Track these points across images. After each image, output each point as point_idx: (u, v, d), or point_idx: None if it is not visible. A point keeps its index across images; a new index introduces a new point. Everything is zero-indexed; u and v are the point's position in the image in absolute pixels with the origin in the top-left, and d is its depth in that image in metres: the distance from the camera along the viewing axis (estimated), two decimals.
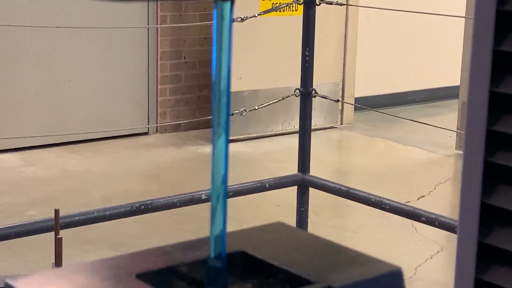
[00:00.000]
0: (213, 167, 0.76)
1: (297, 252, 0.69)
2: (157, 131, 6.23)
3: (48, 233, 3.00)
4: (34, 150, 5.54)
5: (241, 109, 3.75)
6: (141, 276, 0.63)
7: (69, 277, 0.64)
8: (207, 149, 5.88)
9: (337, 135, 6.51)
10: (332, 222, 4.53)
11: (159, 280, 0.65)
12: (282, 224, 0.76)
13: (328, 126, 6.56)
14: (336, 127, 6.63)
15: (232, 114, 4.09)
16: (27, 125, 5.61)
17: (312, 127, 6.36)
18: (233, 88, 6.35)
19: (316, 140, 6.04)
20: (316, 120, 6.26)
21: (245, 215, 4.49)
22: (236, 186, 3.80)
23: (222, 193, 0.72)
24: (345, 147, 6.51)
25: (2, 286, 2.36)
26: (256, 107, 3.87)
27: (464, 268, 1.06)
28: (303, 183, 3.90)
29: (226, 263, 0.66)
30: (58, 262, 2.58)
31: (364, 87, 6.95)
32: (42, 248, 3.77)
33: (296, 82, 3.92)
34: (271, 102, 3.84)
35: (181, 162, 5.56)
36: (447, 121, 6.17)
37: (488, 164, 1.07)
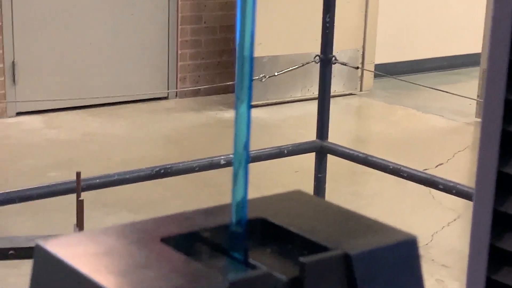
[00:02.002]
0: (236, 133, 0.77)
1: (315, 220, 0.72)
2: (176, 96, 6.25)
3: (69, 195, 3.05)
4: (56, 112, 5.59)
5: (261, 75, 3.77)
6: (165, 240, 0.66)
7: (96, 239, 0.67)
8: (227, 114, 5.90)
9: (356, 102, 6.51)
10: (350, 188, 4.56)
11: (182, 244, 0.68)
12: (301, 192, 0.78)
13: (347, 92, 6.56)
14: (355, 94, 6.62)
15: (252, 80, 4.10)
16: (49, 88, 5.65)
17: (331, 94, 6.35)
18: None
19: (335, 106, 6.04)
20: (336, 86, 6.26)
21: (263, 181, 4.52)
22: (254, 152, 3.82)
23: (244, 158, 0.74)
24: (364, 114, 6.51)
25: (27, 245, 2.40)
26: (276, 74, 3.88)
27: (480, 235, 1.08)
28: (321, 149, 3.92)
29: (247, 229, 0.68)
30: (79, 224, 2.63)
31: (384, 54, 6.92)
32: (64, 210, 3.83)
33: (316, 48, 3.92)
34: (290, 68, 3.85)
35: (200, 127, 5.59)
36: (468, 88, 6.14)
37: (506, 133, 1.08)
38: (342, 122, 5.75)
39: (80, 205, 2.59)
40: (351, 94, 6.59)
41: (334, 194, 4.26)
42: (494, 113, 1.08)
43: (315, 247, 0.67)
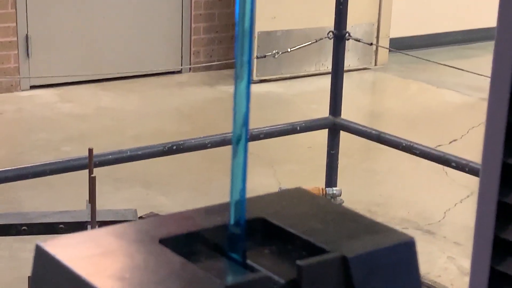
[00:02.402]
0: (235, 111, 0.74)
1: (314, 220, 0.72)
2: (190, 69, 6.25)
3: (83, 170, 3.07)
4: (70, 86, 5.60)
5: (274, 52, 3.75)
6: (164, 241, 0.66)
7: (96, 240, 0.68)
8: None
9: (371, 77, 6.48)
10: (363, 165, 4.55)
11: (181, 245, 0.68)
12: (302, 190, 0.78)
13: (361, 67, 6.53)
14: (370, 69, 6.59)
15: (265, 56, 4.09)
16: (62, 61, 5.66)
17: (346, 68, 6.32)
18: (267, 28, 6.33)
19: (349, 81, 6.01)
20: (350, 61, 6.22)
21: (276, 156, 4.53)
22: (267, 128, 3.83)
23: (244, 136, 0.72)
24: (378, 89, 6.48)
25: (40, 221, 2.42)
26: (289, 50, 3.86)
27: (484, 226, 1.08)
28: (334, 126, 3.91)
29: (245, 230, 0.68)
30: (91, 200, 2.65)
31: (400, 28, 6.87)
32: (78, 184, 3.85)
33: (331, 23, 3.89)
34: (303, 44, 3.83)
35: (213, 101, 5.59)
36: (484, 63, 6.08)
37: (511, 125, 1.07)
38: (356, 97, 5.73)
39: (92, 181, 2.61)
40: (365, 68, 6.56)
41: (347, 171, 4.26)
42: (499, 105, 1.08)
43: (313, 249, 0.67)
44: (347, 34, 3.85)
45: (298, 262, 0.64)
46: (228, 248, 0.69)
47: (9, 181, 3.06)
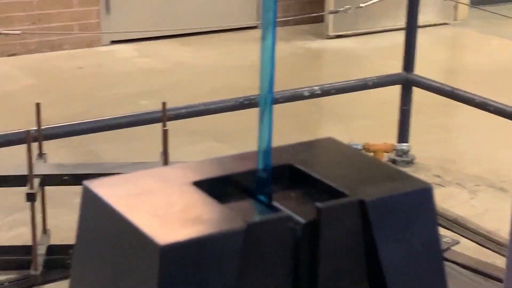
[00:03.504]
0: (261, 72, 0.76)
1: (339, 167, 0.76)
2: None
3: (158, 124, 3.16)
4: (149, 41, 5.72)
5: (346, 7, 3.74)
6: (197, 183, 0.72)
7: (135, 181, 0.74)
8: (316, 44, 5.90)
9: (449, 32, 6.37)
10: (436, 121, 4.52)
11: (213, 187, 0.74)
12: (332, 140, 0.82)
13: (440, 22, 6.41)
14: (449, 24, 6.47)
15: (336, 12, 4.08)
16: (142, 17, 5.77)
17: (424, 23, 6.23)
18: None
19: (427, 37, 5.94)
20: (428, 16, 6.13)
21: (350, 112, 4.54)
22: (338, 83, 3.85)
23: (269, 101, 0.76)
24: (457, 44, 6.37)
25: (114, 171, 2.53)
26: (361, 5, 3.85)
27: None
28: (407, 82, 3.90)
29: (271, 175, 0.74)
30: (164, 152, 2.76)
31: None
32: (153, 136, 3.96)
33: None
34: (375, 0, 3.80)
35: (289, 57, 5.62)
36: None
37: None
38: (433, 53, 5.66)
39: (165, 134, 2.71)
40: (444, 23, 6.44)
41: (420, 127, 4.24)
42: None
43: (335, 193, 0.72)
44: None
45: (318, 204, 0.68)
46: (256, 191, 0.74)
47: (86, 133, 3.19)
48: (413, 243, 0.71)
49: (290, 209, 0.72)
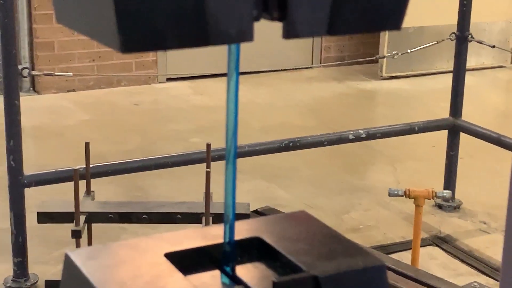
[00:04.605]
0: (226, 123, 0.74)
1: (303, 241, 0.82)
2: (321, 64, 6.34)
3: None
4: (203, 79, 5.85)
5: (393, 52, 3.79)
6: (168, 255, 0.79)
7: (111, 252, 0.81)
8: (369, 84, 5.94)
9: (506, 75, 6.32)
10: (485, 165, 4.49)
11: (184, 259, 0.80)
12: (305, 214, 0.88)
13: (496, 65, 6.38)
14: (505, 66, 6.43)
15: (384, 57, 4.14)
16: (197, 56, 5.91)
17: (480, 66, 6.21)
18: None
19: (482, 79, 5.93)
20: (484, 58, 6.12)
21: (399, 153, 4.56)
22: (384, 127, 3.88)
23: (233, 153, 0.78)
24: None
25: (158, 210, 2.60)
26: (409, 51, 3.89)
27: None
28: (454, 127, 3.91)
29: (240, 247, 0.79)
30: (206, 193, 2.83)
31: None
32: (204, 174, 4.04)
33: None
34: (422, 46, 3.84)
35: (340, 97, 5.66)
36: None
37: None
38: (487, 96, 5.63)
39: (207, 176, 2.79)
40: (501, 66, 6.41)
41: (468, 171, 4.23)
42: None
43: (293, 267, 0.78)
44: (469, 36, 3.82)
45: (273, 278, 0.74)
46: (222, 263, 0.80)
47: (132, 172, 3.30)
48: None
49: (252, 281, 0.78)
